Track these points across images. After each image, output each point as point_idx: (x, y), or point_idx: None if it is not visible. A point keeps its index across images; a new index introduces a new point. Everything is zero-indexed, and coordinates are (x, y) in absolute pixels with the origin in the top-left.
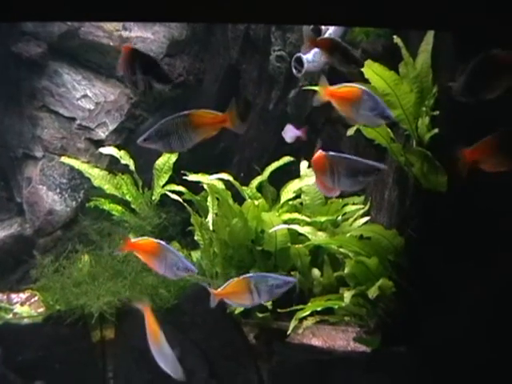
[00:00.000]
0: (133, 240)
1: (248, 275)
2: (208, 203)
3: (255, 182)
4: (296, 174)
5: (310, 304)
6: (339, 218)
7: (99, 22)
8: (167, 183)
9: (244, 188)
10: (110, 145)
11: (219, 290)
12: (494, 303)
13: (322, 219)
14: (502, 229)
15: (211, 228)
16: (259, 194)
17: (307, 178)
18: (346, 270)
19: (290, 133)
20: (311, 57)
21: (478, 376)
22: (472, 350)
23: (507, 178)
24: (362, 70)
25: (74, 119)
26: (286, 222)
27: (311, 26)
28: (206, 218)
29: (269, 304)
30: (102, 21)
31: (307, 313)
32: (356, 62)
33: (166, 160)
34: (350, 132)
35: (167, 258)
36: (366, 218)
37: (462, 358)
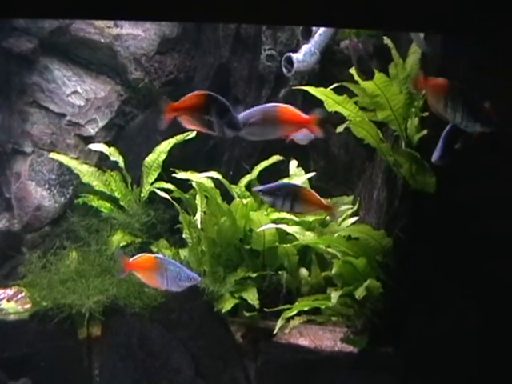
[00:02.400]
0: (131, 260)
1: None
2: (197, 201)
3: (244, 181)
4: (285, 174)
5: (297, 304)
6: (327, 217)
7: (90, 20)
8: (156, 181)
9: (233, 186)
10: (99, 141)
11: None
12: (482, 303)
13: (311, 219)
14: (490, 229)
15: (199, 226)
16: (248, 193)
17: (296, 178)
18: (334, 270)
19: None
20: (301, 56)
21: (466, 377)
22: (460, 350)
23: (496, 179)
24: (352, 71)
25: (63, 115)
26: (274, 222)
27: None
28: (194, 216)
29: (256, 303)
30: (93, 19)
31: (294, 312)
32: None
33: (156, 157)
34: (340, 129)
35: (167, 271)
36: (355, 218)
37: (450, 359)
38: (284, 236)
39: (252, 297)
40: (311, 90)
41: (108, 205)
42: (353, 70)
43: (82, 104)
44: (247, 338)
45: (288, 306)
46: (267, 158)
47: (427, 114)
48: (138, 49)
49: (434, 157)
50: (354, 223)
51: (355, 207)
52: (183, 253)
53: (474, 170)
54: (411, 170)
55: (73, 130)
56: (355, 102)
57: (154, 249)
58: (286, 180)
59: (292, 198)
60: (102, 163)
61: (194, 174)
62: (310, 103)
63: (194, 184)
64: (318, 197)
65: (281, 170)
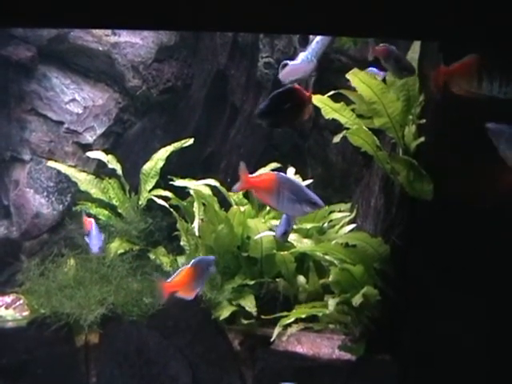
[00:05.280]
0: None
1: None
2: (194, 209)
3: None
4: None
5: (294, 311)
6: (325, 225)
7: (87, 29)
8: (154, 188)
9: (230, 194)
10: (97, 149)
11: None
12: (481, 310)
13: (308, 226)
14: (488, 235)
15: (197, 233)
16: (246, 200)
17: None
18: (331, 278)
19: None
20: (298, 64)
21: None
22: (458, 358)
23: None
24: (349, 77)
25: (62, 123)
26: (271, 229)
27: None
28: (192, 223)
29: (253, 311)
30: (90, 28)
31: (292, 320)
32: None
33: (153, 165)
34: (337, 139)
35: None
36: (352, 226)
37: (448, 366)
38: (281, 243)
39: (250, 304)
40: None
41: (106, 212)
42: (349, 76)
43: (80, 112)
44: (244, 346)
45: (285, 313)
46: (265, 165)
47: (424, 121)
48: (135, 56)
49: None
50: (352, 230)
51: (353, 214)
52: (181, 260)
53: (472, 177)
54: (408, 177)
55: (71, 138)
56: (352, 110)
57: (152, 256)
58: None
59: None
60: (100, 171)
61: (191, 181)
62: None
63: (191, 191)
64: None
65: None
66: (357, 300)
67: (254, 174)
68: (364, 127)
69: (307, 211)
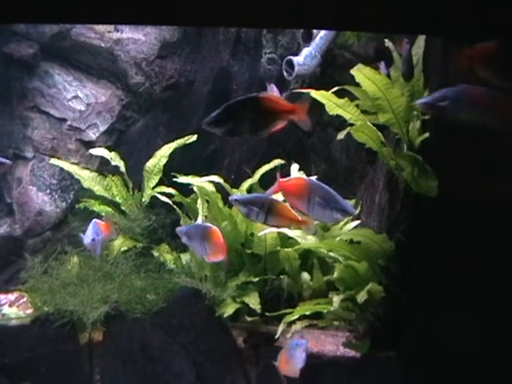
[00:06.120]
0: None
1: None
2: (198, 206)
3: (246, 185)
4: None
5: (298, 308)
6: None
7: (91, 24)
8: (157, 185)
9: (234, 191)
10: (100, 146)
11: None
12: (484, 308)
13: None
14: (493, 233)
15: None
16: None
17: None
18: (336, 275)
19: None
20: (302, 60)
21: (468, 381)
22: (462, 355)
23: (498, 182)
24: (353, 73)
25: (64, 120)
26: None
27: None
28: (195, 220)
29: (257, 308)
30: (94, 23)
31: (296, 317)
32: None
33: (157, 162)
34: (341, 136)
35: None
36: (357, 222)
37: (452, 364)
38: (285, 240)
39: (253, 301)
40: (312, 93)
41: (109, 209)
42: (353, 72)
43: (83, 109)
44: (248, 343)
45: (290, 310)
46: (268, 162)
47: (429, 116)
48: (138, 53)
49: None
50: (356, 227)
51: (357, 211)
52: (185, 257)
53: (476, 173)
54: (413, 173)
55: (74, 135)
56: (356, 105)
57: (156, 253)
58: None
59: (266, 210)
60: (103, 168)
61: (195, 178)
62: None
63: (195, 188)
64: (293, 212)
65: (282, 173)
66: (361, 297)
67: (285, 178)
68: (368, 123)
69: (337, 218)
